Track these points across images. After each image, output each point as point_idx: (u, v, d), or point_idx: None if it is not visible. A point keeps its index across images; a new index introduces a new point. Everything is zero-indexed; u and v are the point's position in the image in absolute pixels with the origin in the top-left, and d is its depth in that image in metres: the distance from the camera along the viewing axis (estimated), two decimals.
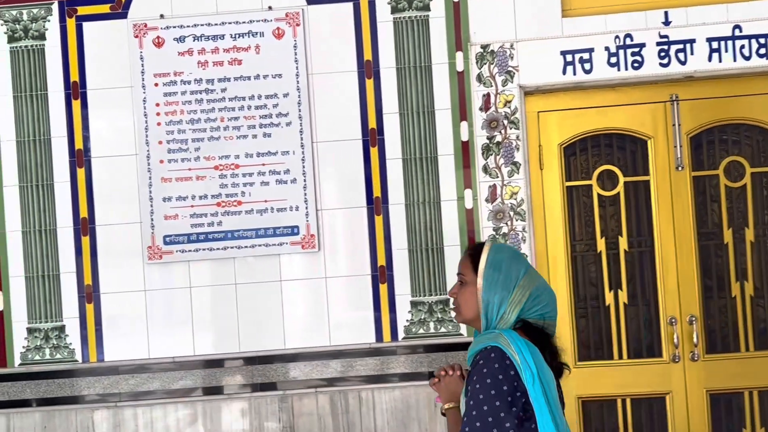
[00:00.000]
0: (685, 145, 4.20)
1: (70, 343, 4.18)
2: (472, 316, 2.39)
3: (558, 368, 2.38)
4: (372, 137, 4.15)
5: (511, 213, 4.13)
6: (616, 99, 4.22)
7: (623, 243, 4.25)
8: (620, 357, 4.23)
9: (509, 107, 4.13)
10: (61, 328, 4.17)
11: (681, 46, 4.11)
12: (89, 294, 4.17)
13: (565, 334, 4.21)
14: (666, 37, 4.11)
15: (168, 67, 4.17)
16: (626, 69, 4.12)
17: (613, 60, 4.12)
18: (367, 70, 4.15)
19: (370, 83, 4.15)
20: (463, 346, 3.97)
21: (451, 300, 2.45)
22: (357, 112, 4.15)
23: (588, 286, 4.26)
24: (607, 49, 4.12)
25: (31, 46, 4.22)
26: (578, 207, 4.27)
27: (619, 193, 4.26)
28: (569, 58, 4.13)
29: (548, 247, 4.23)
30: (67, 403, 4.17)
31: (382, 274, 4.13)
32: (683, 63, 4.10)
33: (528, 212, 4.13)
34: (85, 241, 4.18)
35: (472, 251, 2.44)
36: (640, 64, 4.12)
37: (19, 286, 4.17)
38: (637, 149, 4.26)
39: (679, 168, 4.20)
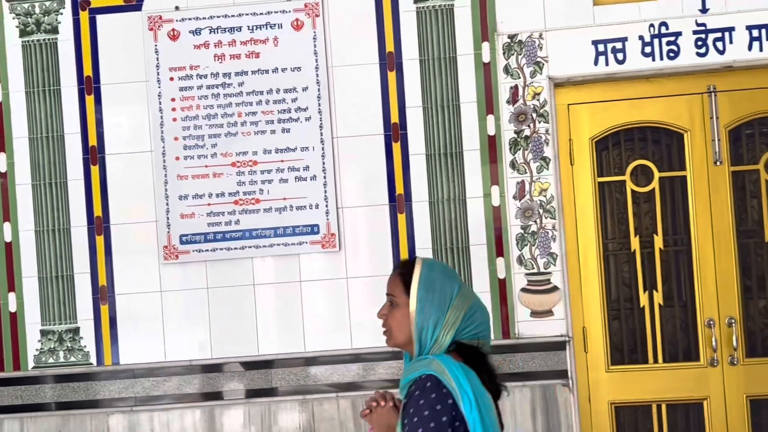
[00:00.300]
0: (724, 138, 4.09)
1: (85, 346, 4.13)
2: (405, 340, 2.26)
3: (496, 390, 2.25)
4: (394, 132, 4.06)
5: (541, 210, 4.02)
6: (651, 90, 4.11)
7: (658, 241, 4.14)
8: (655, 361, 4.13)
9: (538, 100, 4.02)
10: (76, 330, 4.13)
11: (719, 35, 3.99)
12: (104, 295, 4.13)
13: (597, 337, 4.12)
14: (703, 25, 3.99)
15: (183, 60, 4.11)
16: (661, 59, 4.01)
17: (648, 50, 4.01)
18: (390, 62, 4.06)
19: (392, 76, 4.07)
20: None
21: (381, 323, 2.26)
22: (379, 106, 4.06)
23: (621, 287, 4.17)
24: (641, 38, 4.01)
25: (44, 40, 4.17)
26: (611, 204, 4.17)
27: (653, 190, 4.15)
28: (601, 47, 4.02)
29: (579, 246, 4.14)
30: (81, 407, 4.13)
31: None
32: (721, 52, 3.99)
33: (558, 210, 4.03)
34: (100, 240, 4.13)
35: (402, 269, 2.31)
36: (676, 53, 4.01)
37: (32, 287, 4.14)
38: (672, 143, 4.16)
39: (717, 162, 4.08)
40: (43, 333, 4.14)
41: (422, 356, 2.19)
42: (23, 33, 4.17)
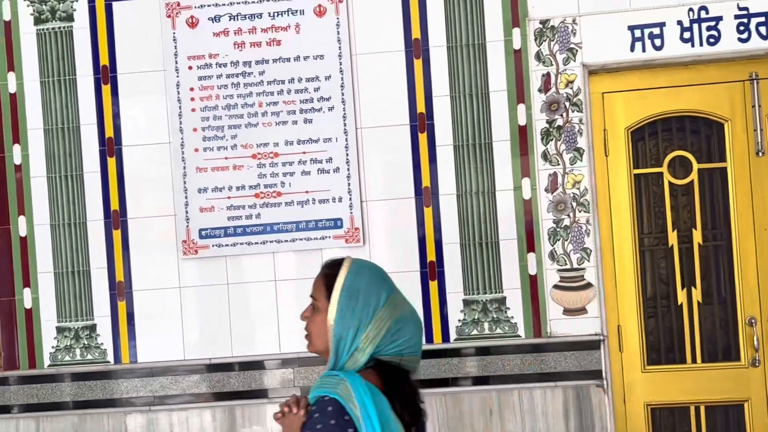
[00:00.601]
0: (766, 128, 3.96)
1: (102, 343, 4.06)
2: (324, 348, 2.09)
3: (416, 414, 2.08)
4: (421, 122, 3.95)
5: (574, 204, 3.90)
6: (690, 78, 3.98)
7: (697, 236, 4.01)
8: (693, 361, 4.01)
9: (571, 88, 3.90)
10: (92, 327, 4.06)
11: (762, 19, 3.86)
12: (121, 291, 4.06)
13: (632, 336, 4.00)
14: (745, 9, 3.86)
15: (202, 48, 4.03)
16: (701, 45, 3.87)
17: (687, 35, 3.87)
18: (416, 49, 3.96)
19: (418, 64, 3.95)
20: (521, 349, 3.84)
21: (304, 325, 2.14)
22: (404, 95, 3.96)
23: (658, 284, 4.04)
24: (679, 23, 3.87)
25: (59, 28, 4.09)
26: (647, 197, 4.05)
27: (692, 182, 4.02)
28: (638, 33, 3.89)
29: (614, 241, 4.01)
30: (98, 407, 4.07)
31: (431, 271, 3.93)
32: (764, 38, 3.86)
33: (592, 203, 3.91)
34: (117, 234, 4.06)
35: (328, 270, 2.12)
36: (717, 39, 3.87)
37: (47, 283, 4.07)
38: (712, 133, 4.02)
39: (760, 153, 3.95)
40: (59, 330, 4.07)
41: (334, 372, 2.03)
42: (38, 21, 4.09)
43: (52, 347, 4.06)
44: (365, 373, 2.02)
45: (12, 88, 4.09)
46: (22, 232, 4.08)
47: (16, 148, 4.09)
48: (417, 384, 2.10)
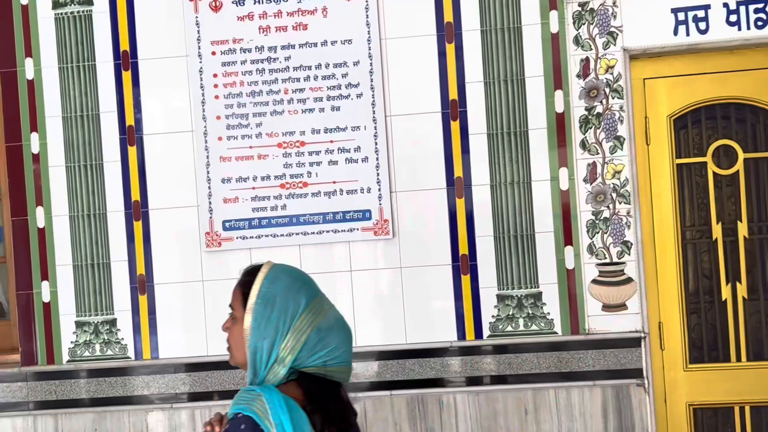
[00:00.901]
0: None
1: (122, 338, 3.98)
2: (244, 361, 1.97)
3: (342, 431, 1.95)
4: (453, 110, 3.83)
5: (614, 195, 3.76)
6: (736, 63, 3.84)
7: (742, 229, 3.86)
8: (738, 359, 3.87)
9: (611, 73, 3.77)
10: (112, 322, 3.98)
11: None
12: (142, 284, 3.97)
13: (674, 333, 3.86)
14: None
15: (226, 33, 3.92)
16: (748, 28, 3.73)
17: (733, 18, 3.73)
18: (448, 33, 3.83)
19: (450, 48, 3.83)
20: (558, 346, 3.72)
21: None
22: (436, 81, 3.84)
23: (701, 279, 3.90)
24: (725, 5, 3.73)
25: (78, 12, 4.00)
26: (690, 188, 3.91)
27: (737, 172, 3.88)
28: (681, 16, 3.75)
29: (655, 233, 3.87)
30: (119, 404, 3.99)
31: (464, 264, 3.82)
32: None
33: (633, 194, 3.77)
34: (138, 226, 3.98)
35: (246, 277, 2.00)
36: (765, 22, 3.73)
37: (66, 276, 3.99)
38: (758, 121, 3.88)
39: None
40: (78, 325, 3.99)
41: (252, 386, 1.92)
42: (56, 5, 4.00)
43: (71, 342, 3.98)
44: (286, 387, 1.91)
45: (29, 74, 4.02)
46: (40, 224, 4.00)
47: (34, 137, 4.02)
48: (347, 397, 2.00)
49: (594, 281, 3.73)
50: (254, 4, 3.88)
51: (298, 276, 1.99)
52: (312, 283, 2.00)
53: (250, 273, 1.98)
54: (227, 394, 3.88)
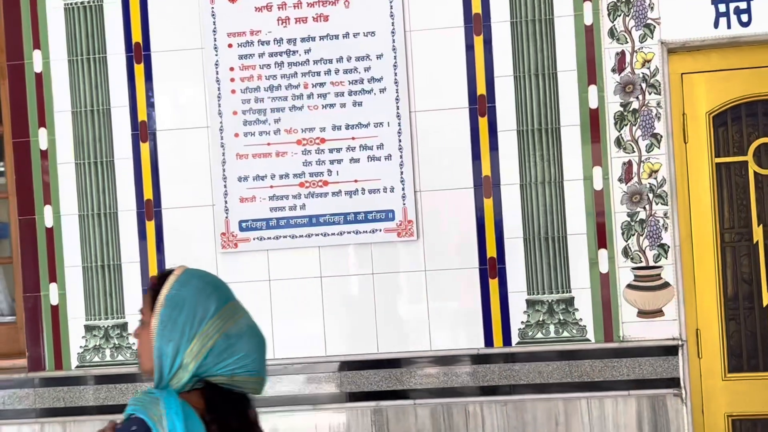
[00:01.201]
0: None
1: (133, 343, 3.88)
2: (152, 368, 1.95)
3: None
4: (481, 105, 3.74)
5: (650, 195, 3.64)
6: None
7: None
8: None
9: (648, 68, 3.65)
10: (123, 326, 3.90)
11: None
12: None
13: (712, 341, 3.73)
14: None
15: (243, 25, 3.84)
16: None
17: None
18: (476, 25, 3.73)
19: (479, 41, 3.73)
20: (591, 354, 3.64)
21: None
22: (463, 75, 3.74)
23: (740, 284, 3.78)
24: None
25: (88, 2, 3.93)
26: (730, 188, 3.78)
27: None
28: (722, 8, 3.64)
29: (693, 236, 3.74)
30: None
31: (492, 268, 3.71)
32: None
33: (671, 194, 3.65)
34: (150, 226, 3.91)
35: (156, 281, 2.00)
36: None
37: (75, 278, 3.92)
38: None
39: None
40: (88, 329, 3.91)
41: (153, 390, 1.89)
42: None
43: (80, 347, 3.91)
44: (190, 395, 1.89)
45: (38, 67, 3.94)
46: (48, 223, 3.93)
47: (42, 132, 3.94)
48: (255, 415, 1.97)
49: (629, 286, 3.61)
50: None
51: (211, 281, 1.98)
52: (225, 288, 1.99)
53: (161, 277, 1.98)
54: None
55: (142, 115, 3.90)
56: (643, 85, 3.63)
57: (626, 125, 3.64)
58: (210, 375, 1.89)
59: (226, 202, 3.82)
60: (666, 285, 3.59)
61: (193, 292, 1.92)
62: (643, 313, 3.60)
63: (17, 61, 3.93)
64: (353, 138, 3.76)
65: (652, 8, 3.61)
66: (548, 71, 3.68)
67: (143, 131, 3.89)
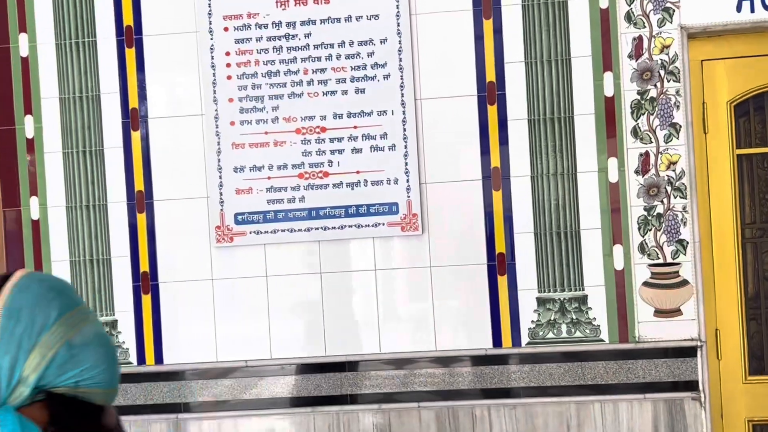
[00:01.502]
0: None
1: (123, 342, 3.79)
2: None
3: None
4: (490, 93, 3.62)
5: (668, 188, 3.51)
6: None
7: None
8: None
9: (667, 54, 3.52)
10: (113, 324, 3.80)
11: None
12: (146, 283, 3.81)
13: (732, 342, 3.59)
14: None
15: (240, 7, 3.73)
16: None
17: None
18: (485, 8, 3.61)
19: (488, 25, 3.61)
20: (605, 355, 3.55)
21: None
22: (472, 61, 3.62)
23: (762, 282, 3.64)
24: None
25: None
26: (751, 181, 3.65)
27: None
28: None
29: (713, 231, 3.61)
30: (120, 414, 3.63)
31: (501, 264, 3.60)
32: None
33: (690, 187, 3.52)
34: (141, 219, 3.81)
35: None
36: None
37: (62, 273, 3.80)
38: None
39: None
40: None
41: None
42: None
43: None
44: (30, 409, 1.71)
45: (24, 51, 3.83)
46: (34, 215, 3.84)
47: (28, 120, 3.84)
48: (115, 421, 1.79)
49: (645, 284, 3.48)
50: None
51: (53, 285, 1.79)
52: (70, 293, 1.82)
53: (1, 283, 1.89)
54: (239, 404, 3.71)
55: (133, 102, 3.81)
56: (662, 72, 3.50)
57: (643, 114, 3.51)
58: (53, 386, 1.75)
59: (221, 193, 3.73)
60: (684, 283, 3.47)
61: (32, 298, 1.74)
62: (659, 313, 3.48)
63: (2, 45, 3.83)
64: (355, 127, 3.66)
65: None
66: (561, 57, 3.56)
67: (134, 119, 3.79)
